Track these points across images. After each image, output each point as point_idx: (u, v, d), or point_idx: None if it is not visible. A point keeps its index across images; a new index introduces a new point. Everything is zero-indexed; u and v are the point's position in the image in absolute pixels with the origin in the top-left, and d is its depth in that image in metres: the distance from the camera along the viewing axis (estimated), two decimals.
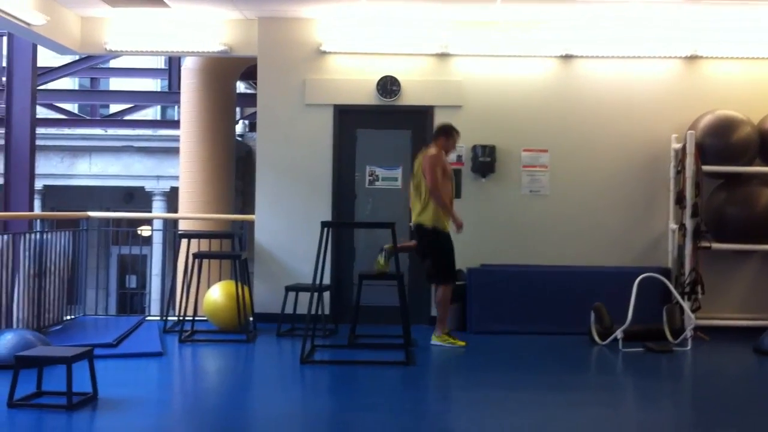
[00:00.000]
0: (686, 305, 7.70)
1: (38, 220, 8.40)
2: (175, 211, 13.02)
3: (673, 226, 8.30)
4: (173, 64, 13.58)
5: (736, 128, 8.13)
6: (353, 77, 8.60)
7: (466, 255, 8.33)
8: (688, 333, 7.40)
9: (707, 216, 8.14)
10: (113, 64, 16.39)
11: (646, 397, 5.90)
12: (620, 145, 8.55)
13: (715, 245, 8.06)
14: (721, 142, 8.09)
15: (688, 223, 7.98)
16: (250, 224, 8.84)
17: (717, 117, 8.19)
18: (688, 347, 7.33)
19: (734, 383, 6.44)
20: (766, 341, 7.25)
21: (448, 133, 7.41)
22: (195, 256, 7.82)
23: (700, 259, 7.96)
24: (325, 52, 8.57)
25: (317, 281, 6.70)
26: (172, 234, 10.50)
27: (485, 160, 8.42)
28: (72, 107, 18.43)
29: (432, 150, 7.32)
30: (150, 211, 17.22)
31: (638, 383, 6.40)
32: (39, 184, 16.23)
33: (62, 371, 5.02)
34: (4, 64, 10.94)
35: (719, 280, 8.31)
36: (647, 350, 7.21)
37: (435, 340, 7.31)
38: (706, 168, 8.03)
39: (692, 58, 8.51)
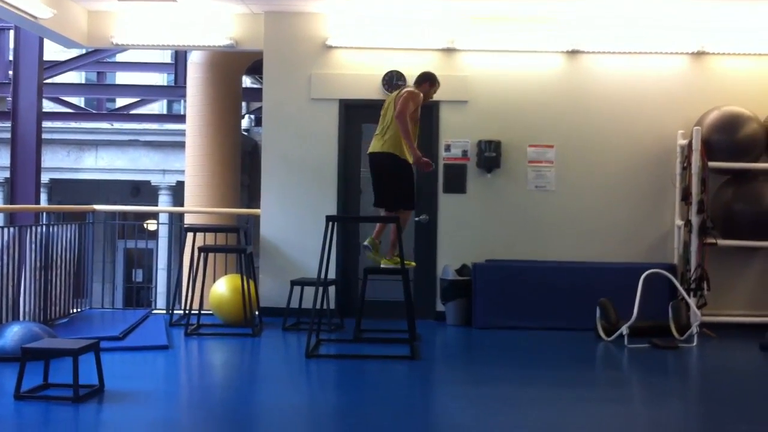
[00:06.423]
0: (692, 302, 7.70)
1: (44, 213, 8.40)
2: (181, 205, 13.04)
3: (679, 222, 8.29)
4: (179, 58, 13.59)
5: (742, 124, 8.11)
6: (359, 72, 8.60)
7: (472, 250, 8.37)
8: (694, 329, 7.39)
9: (714, 212, 8.13)
10: (120, 58, 16.40)
11: (653, 394, 5.90)
12: (626, 140, 8.54)
13: (722, 242, 8.05)
14: (727, 138, 8.08)
15: (694, 219, 7.96)
16: (256, 218, 8.86)
17: (723, 113, 8.18)
18: (694, 344, 7.32)
19: (741, 380, 6.42)
20: None
21: (433, 80, 7.29)
22: (201, 249, 7.83)
23: (706, 255, 7.95)
24: (331, 47, 8.58)
25: (322, 275, 6.71)
26: (178, 228, 10.52)
27: (491, 156, 8.42)
28: (78, 101, 18.48)
29: (413, 89, 7.13)
30: (156, 205, 17.25)
31: (644, 379, 6.39)
32: (45, 178, 16.29)
33: (69, 364, 5.05)
34: (11, 57, 10.98)
35: (726, 277, 8.28)
36: (653, 346, 7.20)
37: (387, 263, 7.07)
38: (712, 164, 8.01)
39: (699, 54, 8.49)
